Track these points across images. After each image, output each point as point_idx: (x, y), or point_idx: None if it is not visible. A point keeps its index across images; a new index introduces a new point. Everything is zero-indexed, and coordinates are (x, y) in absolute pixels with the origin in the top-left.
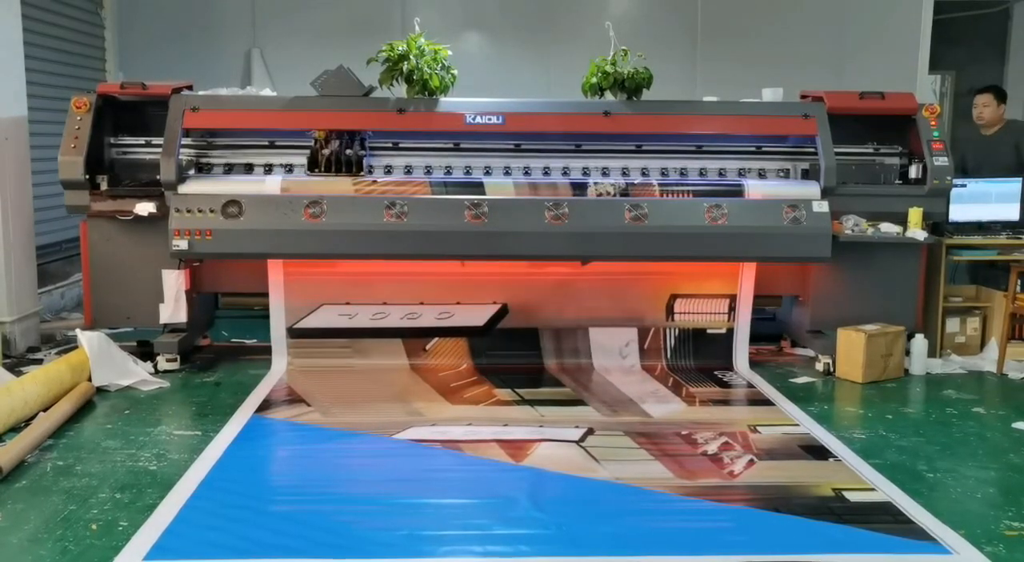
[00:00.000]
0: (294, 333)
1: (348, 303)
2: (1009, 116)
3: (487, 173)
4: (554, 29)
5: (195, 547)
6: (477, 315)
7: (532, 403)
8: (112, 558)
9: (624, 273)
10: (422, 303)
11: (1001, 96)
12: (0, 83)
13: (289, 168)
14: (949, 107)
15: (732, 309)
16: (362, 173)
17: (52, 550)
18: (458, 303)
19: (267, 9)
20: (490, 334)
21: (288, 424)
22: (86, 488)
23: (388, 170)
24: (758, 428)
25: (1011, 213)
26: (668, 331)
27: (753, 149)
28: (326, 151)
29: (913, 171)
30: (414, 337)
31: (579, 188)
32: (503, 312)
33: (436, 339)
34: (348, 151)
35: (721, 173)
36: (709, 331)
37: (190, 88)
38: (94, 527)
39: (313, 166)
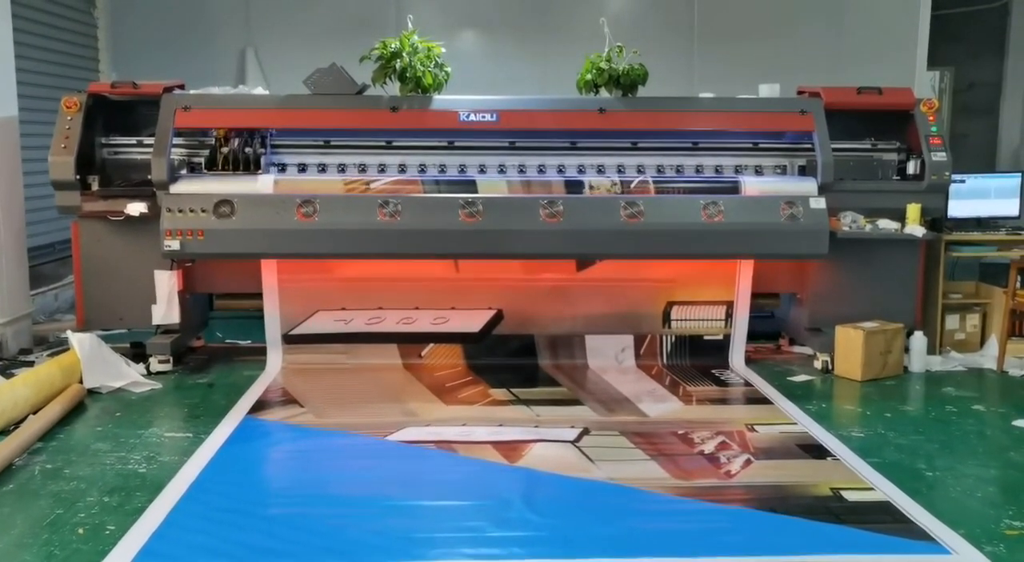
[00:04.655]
0: (290, 339)
1: (343, 308)
2: (1008, 113)
3: (481, 171)
4: (549, 26)
5: (184, 551)
6: (472, 321)
7: (527, 403)
8: None
9: (620, 280)
10: (417, 308)
11: None
12: None
13: (282, 167)
14: (948, 103)
15: (729, 316)
16: (260, 171)
17: (38, 555)
18: (453, 308)
19: (261, 8)
20: (485, 341)
21: (281, 425)
22: (74, 491)
23: (382, 169)
24: (755, 427)
25: (1010, 209)
26: (664, 338)
27: (750, 145)
28: (225, 149)
29: (911, 167)
30: (409, 342)
31: (574, 186)
32: (498, 318)
33: (431, 345)
34: (247, 149)
35: (717, 170)
36: (706, 337)
37: (182, 87)
38: (81, 531)
39: (211, 164)
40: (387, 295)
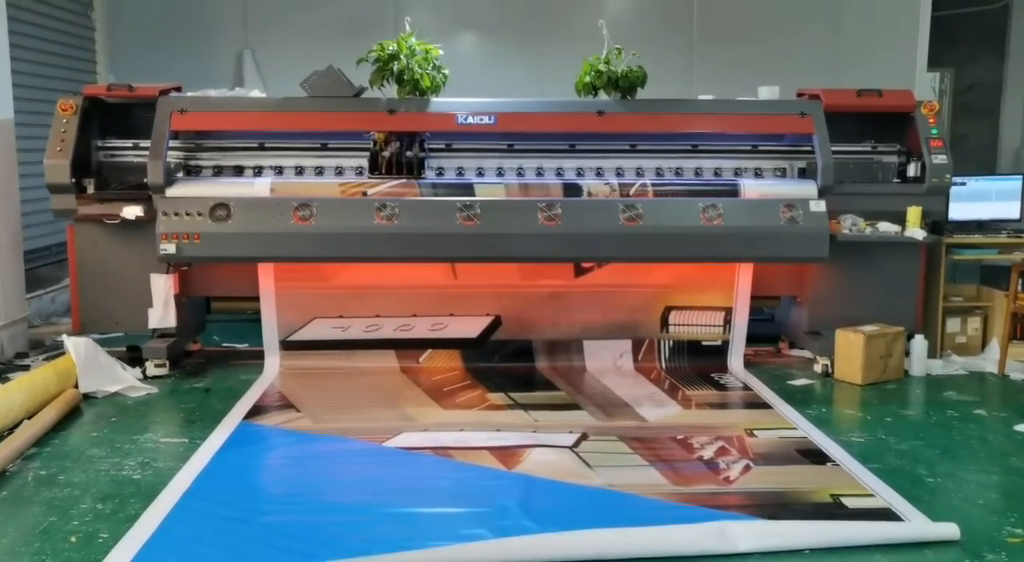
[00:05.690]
0: (287, 346)
1: (341, 316)
2: (1009, 114)
3: (479, 174)
4: (547, 28)
5: (177, 559)
6: (470, 327)
7: (525, 407)
8: None
9: (618, 285)
10: (415, 315)
11: None
12: None
13: (279, 170)
14: (948, 104)
15: (727, 322)
16: (423, 176)
17: None
18: (451, 315)
19: (258, 10)
20: (483, 347)
21: (277, 430)
22: (68, 498)
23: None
24: (755, 432)
25: (1011, 211)
26: (662, 342)
27: (749, 148)
28: (386, 153)
29: (912, 169)
30: (407, 349)
31: (573, 189)
32: (496, 324)
33: (429, 351)
34: (408, 153)
35: (717, 173)
36: (704, 343)
37: (178, 90)
38: (74, 539)
39: (373, 168)
40: (385, 302)
